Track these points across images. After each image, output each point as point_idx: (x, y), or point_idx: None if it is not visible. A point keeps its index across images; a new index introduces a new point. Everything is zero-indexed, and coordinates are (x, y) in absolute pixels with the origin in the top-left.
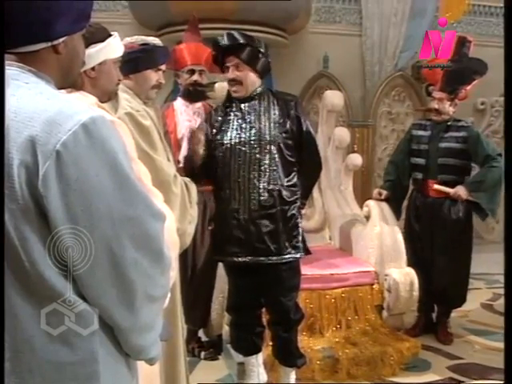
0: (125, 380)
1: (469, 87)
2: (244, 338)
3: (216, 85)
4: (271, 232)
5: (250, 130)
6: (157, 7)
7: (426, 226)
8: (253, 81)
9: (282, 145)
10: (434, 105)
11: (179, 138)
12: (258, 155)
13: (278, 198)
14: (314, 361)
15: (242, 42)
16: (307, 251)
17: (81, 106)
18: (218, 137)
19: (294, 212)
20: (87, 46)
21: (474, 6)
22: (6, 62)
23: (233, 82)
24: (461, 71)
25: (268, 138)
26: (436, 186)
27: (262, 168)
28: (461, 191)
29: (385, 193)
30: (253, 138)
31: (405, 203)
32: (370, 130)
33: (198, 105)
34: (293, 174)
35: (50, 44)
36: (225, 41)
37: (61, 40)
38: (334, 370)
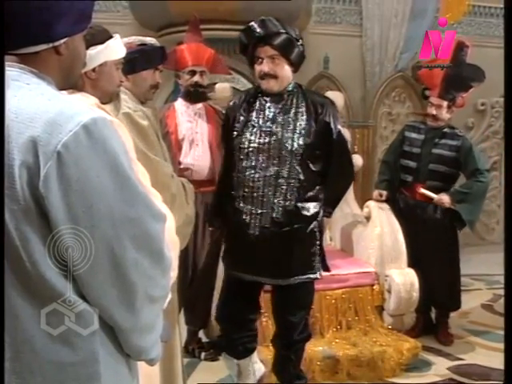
0: (125, 380)
1: (466, 94)
2: (234, 344)
3: (216, 85)
4: (281, 253)
5: (271, 136)
6: (157, 8)
7: (411, 228)
8: (288, 75)
9: (306, 156)
10: (432, 111)
11: (180, 139)
12: (276, 166)
13: (295, 216)
14: (314, 361)
15: (280, 30)
16: (326, 268)
17: (82, 106)
18: (238, 139)
19: (312, 227)
20: (88, 47)
21: (475, 6)
22: (8, 63)
23: (267, 76)
24: (459, 78)
25: (289, 148)
26: (422, 190)
27: (280, 181)
28: (445, 199)
29: (385, 193)
30: (272, 147)
31: None
32: (370, 130)
33: (199, 105)
34: (317, 186)
35: (51, 45)
36: (261, 29)
37: (62, 41)
38: (335, 371)
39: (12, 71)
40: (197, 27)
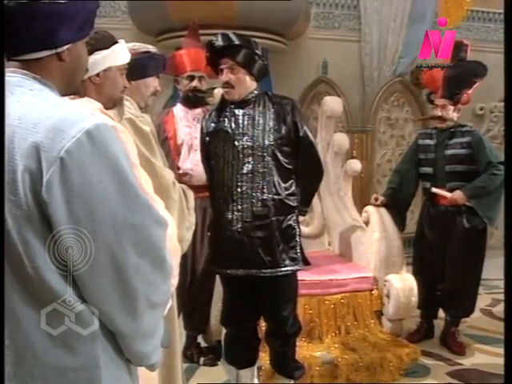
0: None
1: (470, 91)
2: (239, 351)
3: (215, 90)
4: (265, 244)
5: (243, 136)
6: (156, 13)
7: (440, 235)
8: (247, 84)
9: (277, 152)
10: (438, 112)
11: (179, 144)
12: (251, 164)
13: (273, 208)
14: (313, 367)
15: (237, 43)
16: (306, 262)
17: (85, 112)
18: (212, 144)
19: (290, 222)
20: (92, 52)
21: (473, 11)
22: (10, 70)
23: (226, 85)
24: (460, 75)
25: (262, 146)
26: (434, 190)
27: (256, 177)
28: (457, 196)
29: (381, 198)
30: (246, 146)
31: (416, 211)
32: (368, 135)
33: (198, 111)
34: (290, 181)
35: (54, 51)
36: (219, 42)
37: (65, 47)
38: (334, 376)
39: (15, 77)
40: (195, 32)
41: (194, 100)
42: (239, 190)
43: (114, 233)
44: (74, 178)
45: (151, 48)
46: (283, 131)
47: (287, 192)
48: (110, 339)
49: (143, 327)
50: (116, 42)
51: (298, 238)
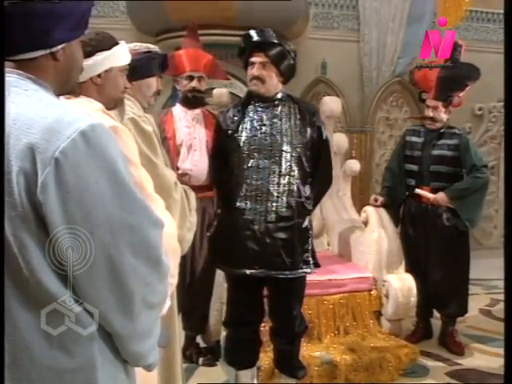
0: None
1: (462, 93)
2: (240, 353)
3: (214, 91)
4: (287, 245)
5: (270, 137)
6: (155, 13)
7: (421, 233)
8: (275, 83)
9: (301, 155)
10: (429, 113)
11: (178, 144)
12: (277, 165)
13: (296, 210)
14: (312, 367)
15: (274, 40)
16: (316, 264)
17: (80, 113)
18: (234, 139)
19: (306, 224)
20: (94, 53)
21: (472, 12)
22: (6, 70)
23: (255, 79)
24: (453, 78)
25: (289, 148)
26: (417, 191)
27: (282, 179)
28: (440, 198)
29: (380, 199)
30: (272, 147)
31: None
32: (367, 135)
33: (197, 111)
34: (307, 185)
35: (48, 51)
36: (258, 36)
37: (59, 47)
38: (333, 376)
39: (10, 77)
40: (195, 32)
41: (193, 100)
42: (265, 190)
43: (111, 234)
44: (69, 178)
45: (152, 48)
46: (308, 135)
47: (305, 195)
48: (107, 340)
49: (140, 328)
50: (117, 43)
51: (310, 241)
